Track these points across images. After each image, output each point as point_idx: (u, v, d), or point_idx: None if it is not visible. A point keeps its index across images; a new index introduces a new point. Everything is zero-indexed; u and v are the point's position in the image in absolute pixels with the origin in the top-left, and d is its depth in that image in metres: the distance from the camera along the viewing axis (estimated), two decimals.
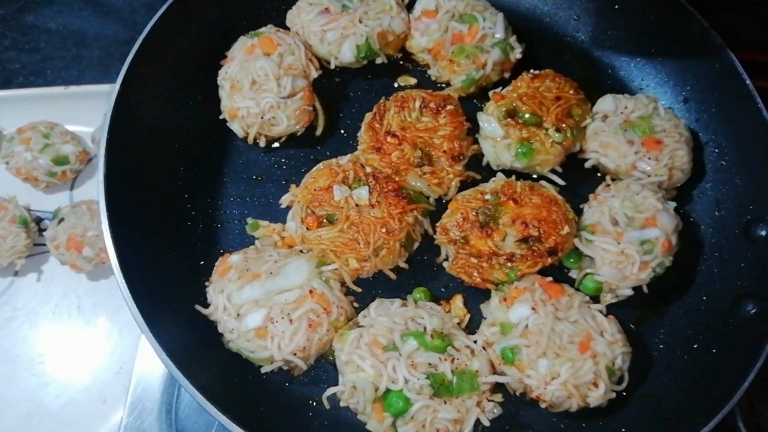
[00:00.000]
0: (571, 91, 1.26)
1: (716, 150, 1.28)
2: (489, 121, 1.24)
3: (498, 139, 1.24)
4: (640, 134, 1.24)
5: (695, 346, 1.13)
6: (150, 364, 1.30)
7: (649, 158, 1.22)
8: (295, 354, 1.03)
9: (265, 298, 1.05)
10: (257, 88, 1.25)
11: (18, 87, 1.92)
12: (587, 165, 1.28)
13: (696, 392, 1.05)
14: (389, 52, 1.40)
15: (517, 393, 1.09)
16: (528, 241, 1.12)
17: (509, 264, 1.11)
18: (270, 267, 1.08)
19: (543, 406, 1.07)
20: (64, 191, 1.77)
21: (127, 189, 1.08)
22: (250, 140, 1.28)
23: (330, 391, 1.06)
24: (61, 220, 1.62)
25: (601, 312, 1.10)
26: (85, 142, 1.80)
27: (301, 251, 1.16)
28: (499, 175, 1.22)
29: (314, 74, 1.31)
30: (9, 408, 1.53)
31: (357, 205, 1.15)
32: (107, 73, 1.95)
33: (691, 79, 1.31)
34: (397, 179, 1.19)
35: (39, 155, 1.71)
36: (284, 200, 1.23)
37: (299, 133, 1.30)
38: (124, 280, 0.98)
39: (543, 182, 1.21)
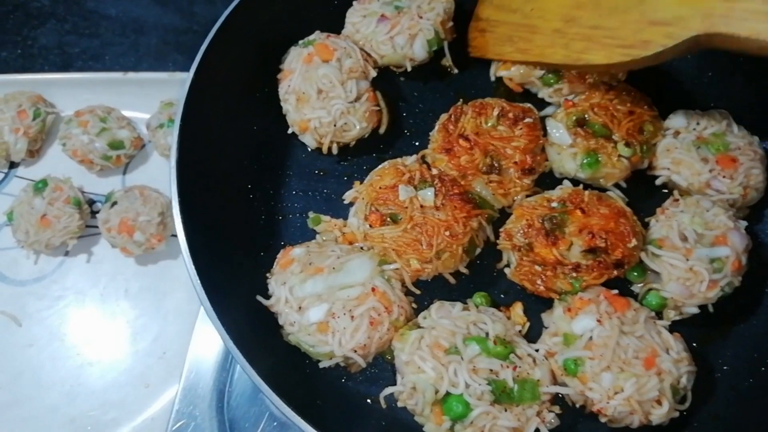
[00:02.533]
0: (645, 107, 1.25)
1: None
2: (558, 128, 1.23)
3: (564, 147, 1.23)
4: (714, 152, 1.22)
5: (762, 369, 1.11)
6: (203, 352, 1.31)
7: (724, 176, 1.21)
8: (355, 351, 1.04)
9: (327, 293, 1.06)
10: (324, 97, 1.26)
11: (77, 71, 1.96)
12: (658, 182, 1.27)
13: (763, 416, 1.03)
14: (448, 38, 1.39)
15: (577, 405, 1.08)
16: (594, 252, 1.11)
17: (574, 274, 1.10)
18: (333, 262, 1.09)
19: (603, 420, 1.06)
20: (116, 175, 1.81)
21: (195, 176, 1.10)
22: (325, 150, 1.28)
23: (388, 390, 1.06)
24: (114, 203, 1.65)
25: (666, 329, 1.08)
26: (140, 128, 1.82)
27: (361, 248, 1.16)
28: (566, 182, 1.21)
29: (373, 74, 1.33)
30: (54, 385, 1.56)
31: (421, 206, 1.15)
32: (164, 61, 1.99)
33: (763, 94, 1.28)
34: (462, 183, 1.18)
35: (95, 138, 1.74)
36: (348, 196, 1.23)
37: (366, 134, 1.30)
38: (193, 265, 0.98)
39: (610, 193, 1.19)
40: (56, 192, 1.68)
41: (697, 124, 1.28)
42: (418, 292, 1.15)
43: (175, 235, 1.71)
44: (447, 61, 1.40)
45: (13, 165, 1.81)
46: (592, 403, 1.05)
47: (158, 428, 1.49)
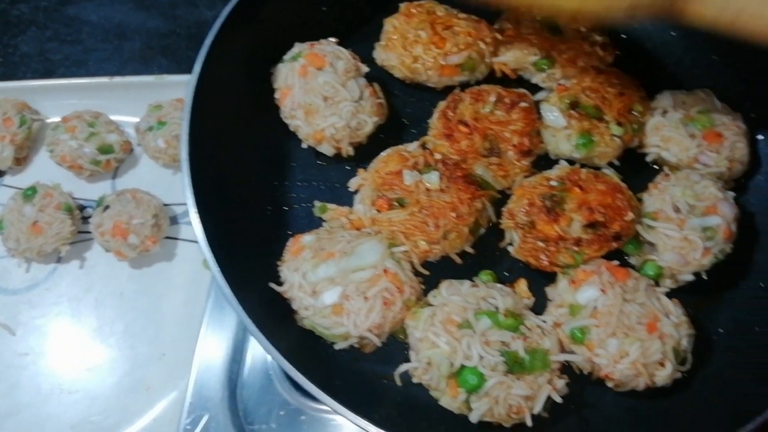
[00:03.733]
0: (633, 88, 1.33)
1: None
2: (552, 111, 1.29)
3: (559, 129, 1.29)
4: (700, 128, 1.30)
5: (756, 329, 1.17)
6: (212, 348, 1.33)
7: (711, 151, 1.28)
8: (370, 330, 1.07)
9: (340, 277, 1.10)
10: (331, 103, 1.28)
11: (61, 77, 1.95)
12: (648, 159, 1.34)
13: (762, 372, 1.09)
14: None
15: (585, 372, 1.12)
16: (594, 226, 1.17)
17: (576, 248, 1.15)
18: (343, 247, 1.13)
19: (610, 385, 1.11)
20: (106, 180, 1.82)
21: (204, 174, 1.13)
22: (345, 153, 1.31)
23: (403, 367, 1.09)
24: (107, 207, 1.66)
25: (666, 295, 1.14)
26: (128, 132, 1.83)
27: (368, 233, 1.19)
28: (563, 162, 1.27)
29: (365, 69, 1.37)
30: (52, 393, 1.58)
31: (427, 190, 1.20)
32: (148, 65, 2.00)
33: (745, 74, 1.36)
34: (464, 167, 1.23)
35: (84, 143, 1.75)
36: (353, 183, 1.27)
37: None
38: (211, 252, 1.01)
39: (606, 170, 1.25)
40: (46, 198, 1.67)
41: (683, 103, 1.36)
42: (427, 273, 1.19)
43: (169, 238, 1.74)
44: None
45: None
46: (600, 368, 1.10)
47: (161, 430, 1.50)
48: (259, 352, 1.33)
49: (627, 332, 1.09)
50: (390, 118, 1.39)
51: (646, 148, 1.35)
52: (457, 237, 1.18)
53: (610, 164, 1.32)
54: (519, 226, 1.20)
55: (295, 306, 1.11)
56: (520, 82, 1.40)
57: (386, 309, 1.08)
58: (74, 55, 2.01)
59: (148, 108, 1.82)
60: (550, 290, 1.20)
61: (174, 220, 1.77)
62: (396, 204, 1.19)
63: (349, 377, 1.09)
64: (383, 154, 1.26)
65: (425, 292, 1.18)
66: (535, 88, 1.40)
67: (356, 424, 0.95)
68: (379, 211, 1.19)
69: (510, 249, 1.23)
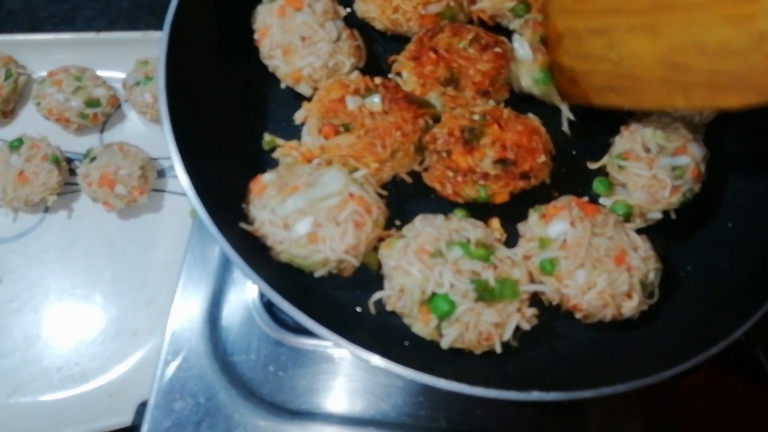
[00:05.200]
0: None
1: None
2: (523, 45, 1.35)
3: (525, 63, 1.34)
4: None
5: (724, 266, 1.21)
6: (190, 293, 1.36)
7: None
8: (347, 252, 1.10)
9: (308, 207, 1.14)
10: (309, 43, 1.31)
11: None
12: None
13: (727, 302, 1.13)
14: None
15: (554, 303, 1.16)
16: (504, 163, 1.22)
17: (482, 182, 1.21)
18: (306, 179, 1.17)
19: (578, 316, 1.15)
20: (94, 134, 1.84)
21: (185, 117, 1.15)
22: None
23: (377, 295, 1.13)
24: (94, 158, 1.68)
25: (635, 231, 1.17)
26: (115, 87, 1.85)
27: (319, 164, 1.22)
28: (491, 102, 1.31)
29: (343, 12, 1.41)
30: (39, 338, 1.61)
31: (370, 113, 1.25)
32: (136, 24, 2.02)
33: None
34: (419, 92, 1.31)
35: (71, 97, 1.77)
36: (298, 116, 1.32)
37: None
38: (197, 197, 1.03)
39: (531, 114, 1.30)
40: (33, 149, 1.70)
41: None
42: (385, 193, 1.24)
43: (156, 190, 1.77)
44: None
45: None
46: (568, 299, 1.14)
47: (146, 372, 1.52)
48: (238, 294, 1.36)
49: (595, 264, 1.12)
50: (370, 65, 1.41)
51: None
52: (404, 155, 1.24)
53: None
54: (436, 151, 1.23)
55: (269, 242, 1.14)
56: (498, 29, 1.42)
57: (358, 230, 1.12)
58: (61, 12, 2.03)
59: (135, 63, 1.84)
60: (521, 226, 1.23)
61: (161, 174, 1.80)
62: (342, 129, 1.23)
63: (326, 306, 1.12)
64: (325, 84, 1.29)
65: (391, 222, 1.22)
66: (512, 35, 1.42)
67: (336, 343, 0.98)
68: (326, 138, 1.23)
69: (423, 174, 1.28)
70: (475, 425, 1.25)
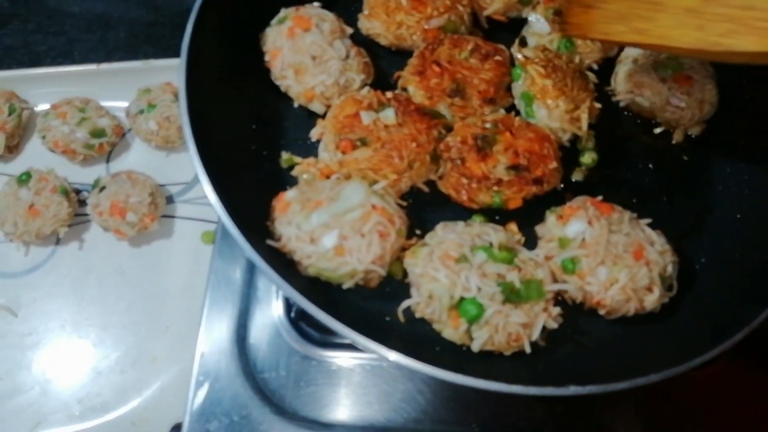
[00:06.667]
0: None
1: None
2: (538, 19, 1.43)
3: (544, 35, 1.42)
4: (670, 72, 1.38)
5: (736, 256, 1.25)
6: (216, 316, 1.38)
7: (681, 93, 1.36)
8: (374, 263, 1.14)
9: (333, 221, 1.16)
10: (320, 62, 1.36)
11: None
12: (622, 105, 1.43)
13: (744, 290, 1.17)
14: None
15: (577, 302, 1.19)
16: (517, 169, 1.27)
17: (496, 188, 1.25)
18: (328, 194, 1.20)
19: (602, 312, 1.18)
20: (100, 164, 1.86)
21: (206, 143, 1.16)
22: None
23: (405, 303, 1.15)
24: (103, 188, 1.70)
25: (648, 226, 1.21)
26: (119, 116, 1.88)
27: (338, 179, 1.25)
28: (502, 111, 1.37)
29: (349, 30, 1.45)
30: (57, 370, 1.58)
31: (385, 126, 1.29)
32: (134, 54, 2.04)
33: None
34: (426, 104, 1.36)
35: (76, 128, 1.79)
36: (314, 133, 1.35)
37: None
38: (226, 214, 1.05)
39: (533, 121, 1.36)
40: (41, 182, 1.71)
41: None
42: (404, 204, 1.28)
43: (166, 216, 1.79)
44: None
45: None
46: (591, 296, 1.17)
47: (168, 398, 1.54)
48: (264, 312, 1.39)
49: (615, 260, 1.16)
50: (378, 81, 1.45)
51: (620, 96, 1.43)
52: (421, 165, 1.28)
53: (591, 69, 1.42)
54: (450, 159, 1.27)
55: (296, 257, 1.16)
56: (512, 26, 1.50)
57: (383, 240, 1.15)
58: (59, 46, 2.05)
59: (137, 92, 1.87)
60: (539, 228, 1.27)
61: (170, 200, 1.82)
62: (359, 144, 1.27)
63: (355, 317, 1.13)
64: (338, 101, 1.33)
65: (412, 231, 1.25)
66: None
67: (369, 350, 1.00)
68: (344, 153, 1.26)
69: (438, 182, 1.32)
70: (506, 426, 1.27)
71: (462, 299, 1.11)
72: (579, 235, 1.19)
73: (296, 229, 1.17)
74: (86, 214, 1.73)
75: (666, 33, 1.12)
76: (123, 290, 1.70)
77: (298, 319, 1.36)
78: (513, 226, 1.29)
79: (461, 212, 1.31)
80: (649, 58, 1.42)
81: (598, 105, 1.37)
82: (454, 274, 1.12)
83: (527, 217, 1.30)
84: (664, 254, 1.19)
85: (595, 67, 1.45)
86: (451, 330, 1.13)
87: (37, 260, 1.72)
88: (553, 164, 1.29)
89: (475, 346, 1.12)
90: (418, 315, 1.16)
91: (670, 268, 1.19)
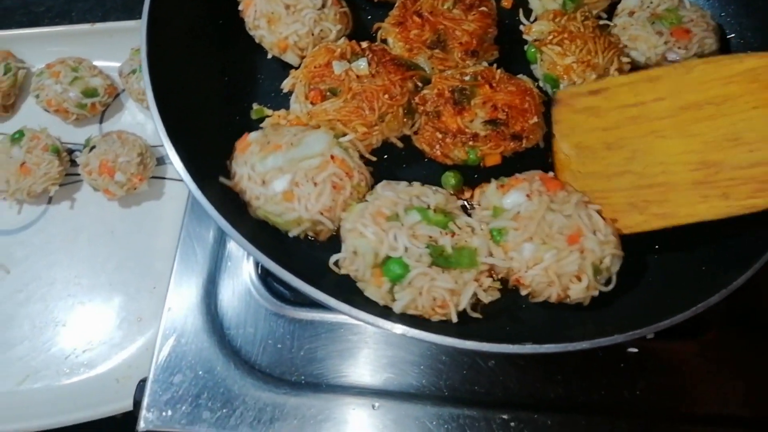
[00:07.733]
0: None
1: (741, 41, 1.55)
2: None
3: None
4: (668, 25, 1.64)
5: (692, 251, 1.43)
6: (187, 271, 1.74)
7: (679, 47, 1.63)
8: (321, 213, 1.42)
9: (288, 165, 1.46)
10: (294, 10, 1.68)
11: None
12: None
13: (688, 296, 1.30)
14: None
15: (500, 276, 1.43)
16: (495, 123, 1.51)
17: (471, 143, 1.48)
18: (290, 139, 1.51)
19: (524, 293, 1.44)
20: (93, 124, 2.31)
21: (172, 95, 1.44)
22: None
23: (334, 257, 1.47)
24: (93, 147, 2.05)
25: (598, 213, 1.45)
26: (113, 76, 2.17)
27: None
28: (484, 63, 1.64)
29: None
30: (47, 326, 2.08)
31: (357, 77, 1.56)
32: (131, 14, 2.47)
33: None
34: (406, 56, 1.61)
35: (69, 87, 2.20)
36: (286, 84, 1.69)
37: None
38: (185, 170, 1.32)
39: (522, 76, 1.62)
40: (34, 141, 2.17)
41: (651, 2, 1.61)
42: (374, 159, 1.55)
43: (156, 177, 2.08)
44: None
45: None
46: (512, 272, 1.41)
47: (150, 356, 1.83)
48: (235, 270, 1.73)
49: (545, 239, 1.40)
50: (358, 33, 1.78)
51: None
52: (393, 118, 1.56)
53: (599, 17, 1.64)
54: (426, 112, 1.53)
55: (246, 197, 1.49)
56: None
57: (336, 192, 1.44)
58: (57, 6, 2.53)
59: (130, 52, 2.19)
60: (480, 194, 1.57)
61: (161, 161, 2.20)
62: (329, 94, 1.57)
63: (301, 264, 1.36)
64: (312, 51, 1.62)
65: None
66: None
67: (312, 296, 1.22)
68: (313, 103, 1.56)
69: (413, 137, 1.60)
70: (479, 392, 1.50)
71: (387, 258, 1.40)
72: (515, 207, 1.45)
73: (250, 169, 1.50)
74: (77, 174, 2.10)
75: (692, 211, 1.30)
76: (112, 250, 2.15)
77: (267, 277, 1.74)
78: (470, 192, 1.55)
79: (437, 168, 1.61)
80: (646, 10, 1.65)
81: (626, 60, 1.60)
82: (382, 232, 1.40)
83: (507, 176, 1.52)
84: (605, 245, 1.39)
85: (604, 15, 1.70)
86: (374, 289, 1.41)
87: (29, 218, 2.21)
88: (534, 119, 1.56)
89: (397, 307, 1.37)
90: (343, 271, 1.48)
91: (608, 261, 1.39)
